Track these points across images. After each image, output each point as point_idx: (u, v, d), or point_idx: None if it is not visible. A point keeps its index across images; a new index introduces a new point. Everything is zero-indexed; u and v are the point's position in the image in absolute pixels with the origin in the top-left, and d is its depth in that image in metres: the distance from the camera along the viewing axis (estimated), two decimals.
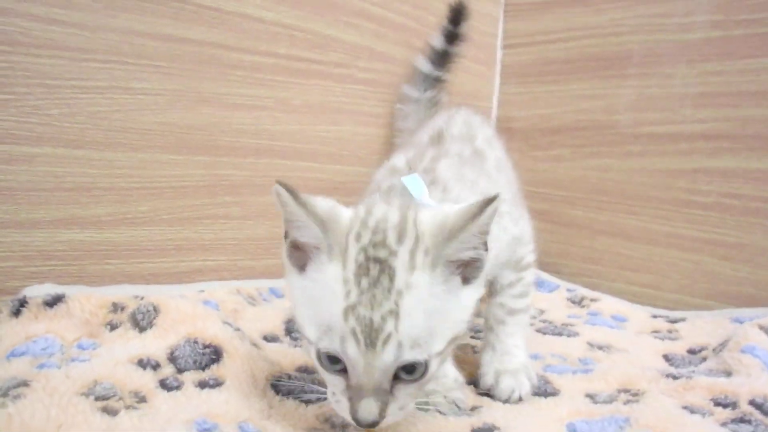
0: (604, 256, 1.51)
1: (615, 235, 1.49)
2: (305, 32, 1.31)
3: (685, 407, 0.80)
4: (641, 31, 1.45)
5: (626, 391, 0.88)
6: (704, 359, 1.03)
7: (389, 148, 1.46)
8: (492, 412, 0.81)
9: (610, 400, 0.85)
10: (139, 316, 0.92)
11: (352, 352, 0.64)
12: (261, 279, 1.30)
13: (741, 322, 1.10)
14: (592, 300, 1.39)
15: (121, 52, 1.07)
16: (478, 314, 0.94)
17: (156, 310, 0.93)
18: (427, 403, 0.81)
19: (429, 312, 0.66)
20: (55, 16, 0.99)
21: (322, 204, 0.69)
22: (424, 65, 1.46)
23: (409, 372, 0.66)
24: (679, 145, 1.38)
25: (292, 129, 1.33)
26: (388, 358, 0.64)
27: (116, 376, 0.77)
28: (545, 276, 1.54)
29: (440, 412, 0.81)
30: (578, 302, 1.40)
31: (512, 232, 0.92)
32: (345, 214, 0.70)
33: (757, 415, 0.77)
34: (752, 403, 0.79)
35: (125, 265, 1.13)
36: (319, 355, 0.68)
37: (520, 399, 0.87)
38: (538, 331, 1.20)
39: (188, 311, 0.92)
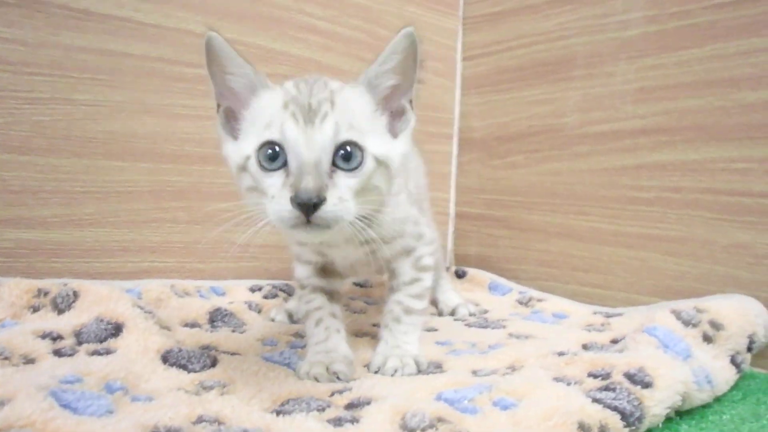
0: (558, 258, 1.50)
1: (567, 237, 1.49)
2: (249, 46, 1.39)
3: (555, 378, 0.79)
4: (584, 33, 1.47)
5: (511, 367, 0.88)
6: None
7: None
8: (364, 381, 0.83)
9: (491, 373, 0.86)
10: (59, 300, 1.00)
11: (292, 131, 0.72)
12: (209, 281, 1.35)
13: None
14: (538, 300, 1.39)
15: (63, 66, 1.17)
16: None
17: (76, 294, 1.00)
18: (308, 374, 0.84)
19: (360, 114, 0.77)
20: None
21: None
22: None
23: (346, 160, 0.74)
24: (622, 142, 1.38)
25: None
26: (326, 132, 0.72)
27: (12, 341, 0.84)
28: (501, 280, 1.54)
29: (316, 380, 0.83)
30: (525, 303, 1.39)
31: (410, 211, 0.95)
32: None
33: (625, 384, 0.76)
34: (626, 374, 0.78)
35: (72, 264, 1.21)
36: (259, 157, 0.74)
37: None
38: (467, 324, 1.20)
39: (104, 294, 0.99)
